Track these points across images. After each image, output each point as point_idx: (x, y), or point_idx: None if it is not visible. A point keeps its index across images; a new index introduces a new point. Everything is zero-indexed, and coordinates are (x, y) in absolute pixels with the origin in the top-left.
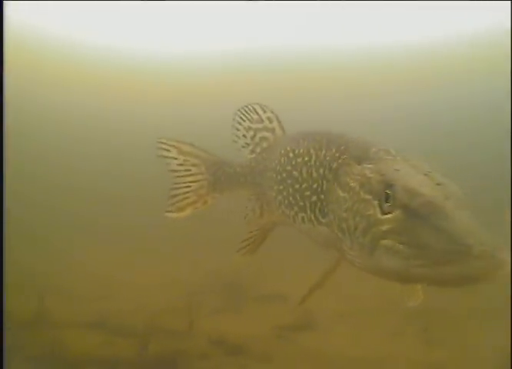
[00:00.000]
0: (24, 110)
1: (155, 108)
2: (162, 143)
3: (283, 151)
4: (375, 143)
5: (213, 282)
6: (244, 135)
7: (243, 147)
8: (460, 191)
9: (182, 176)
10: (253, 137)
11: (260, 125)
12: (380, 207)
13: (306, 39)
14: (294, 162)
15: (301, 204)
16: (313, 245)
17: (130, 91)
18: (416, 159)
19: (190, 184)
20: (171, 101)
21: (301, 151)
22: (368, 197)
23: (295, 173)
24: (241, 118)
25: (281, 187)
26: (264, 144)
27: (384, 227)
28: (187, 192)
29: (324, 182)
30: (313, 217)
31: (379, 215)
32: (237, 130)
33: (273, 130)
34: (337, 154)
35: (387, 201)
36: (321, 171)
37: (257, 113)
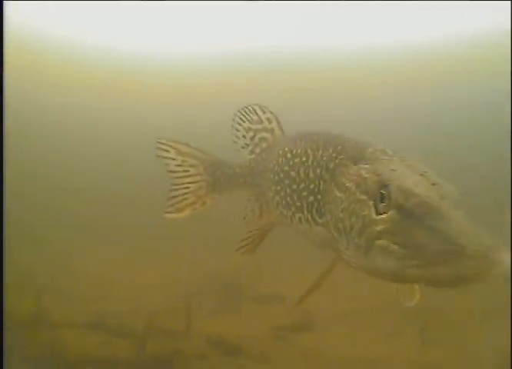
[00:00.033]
0: (24, 110)
1: (155, 108)
2: (161, 143)
3: (281, 152)
4: (372, 143)
5: (211, 282)
6: (243, 136)
7: (242, 147)
8: (455, 191)
9: (180, 177)
10: (252, 138)
11: (259, 126)
12: (376, 207)
13: (306, 39)
14: (291, 162)
15: (298, 204)
16: (310, 246)
17: (130, 92)
18: (412, 159)
19: (188, 186)
20: (171, 101)
21: (299, 151)
22: (364, 197)
23: (293, 173)
24: (240, 118)
25: (279, 187)
26: (264, 145)
27: (379, 228)
28: (186, 193)
29: (321, 182)
30: (310, 218)
31: (374, 215)
32: (237, 130)
33: (272, 131)
34: (334, 155)
35: (382, 201)
36: (318, 171)
37: (257, 114)
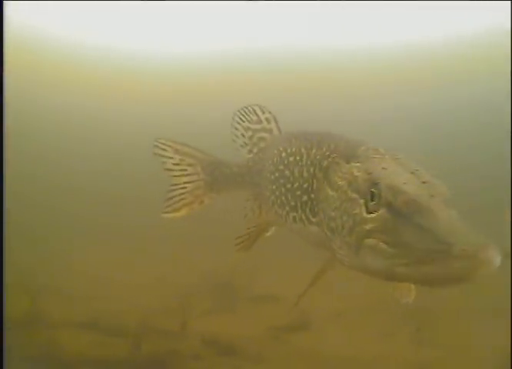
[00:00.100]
0: (24, 110)
1: (155, 108)
2: (159, 142)
3: (276, 151)
4: (365, 142)
5: (207, 282)
6: (242, 134)
7: (241, 146)
8: (446, 190)
9: (178, 176)
10: (251, 138)
11: (258, 126)
12: (366, 205)
13: (306, 39)
14: (286, 161)
15: (293, 203)
16: (306, 245)
17: (130, 92)
18: (404, 157)
19: (186, 185)
20: (171, 101)
21: (293, 150)
22: (355, 195)
23: (287, 172)
24: (240, 118)
25: (274, 186)
26: (262, 145)
27: (369, 226)
28: (184, 193)
29: (315, 181)
30: (304, 217)
31: (364, 214)
32: (236, 129)
33: (270, 130)
34: (327, 153)
35: (372, 199)
36: (312, 170)
37: (257, 114)
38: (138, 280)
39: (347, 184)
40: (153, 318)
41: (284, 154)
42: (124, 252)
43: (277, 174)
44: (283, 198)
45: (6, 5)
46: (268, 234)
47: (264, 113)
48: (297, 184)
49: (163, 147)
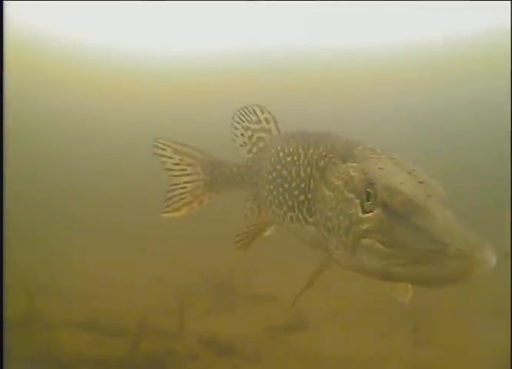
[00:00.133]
0: (24, 110)
1: (155, 107)
2: (158, 142)
3: (273, 151)
4: (362, 142)
5: (205, 282)
6: (242, 134)
7: (241, 145)
8: (443, 190)
9: (178, 175)
10: (250, 137)
11: (258, 126)
12: (362, 205)
13: (306, 39)
14: (283, 161)
15: (290, 203)
16: (303, 245)
17: (130, 92)
18: (401, 157)
19: (185, 185)
20: (170, 101)
21: (291, 150)
22: (351, 195)
23: (284, 172)
24: (239, 118)
25: (272, 186)
26: (261, 145)
27: (365, 226)
28: (183, 193)
29: (312, 181)
30: (301, 217)
31: (360, 214)
32: (236, 128)
33: (269, 130)
34: (324, 153)
35: (368, 199)
36: (309, 170)
37: (256, 114)
38: (137, 280)
39: (343, 184)
40: (151, 318)
41: (281, 154)
42: (123, 252)
43: (274, 174)
44: (280, 198)
45: (6, 5)
46: (268, 233)
47: (263, 113)
48: (295, 183)
49: (163, 147)
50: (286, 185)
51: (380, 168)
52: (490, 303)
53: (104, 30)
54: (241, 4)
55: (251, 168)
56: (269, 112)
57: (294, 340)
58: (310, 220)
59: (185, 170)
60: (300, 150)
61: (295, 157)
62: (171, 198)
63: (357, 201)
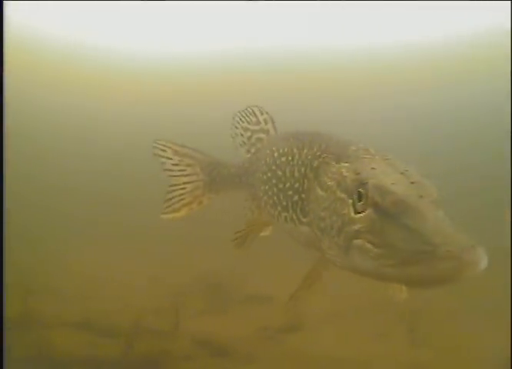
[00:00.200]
0: (24, 110)
1: (155, 108)
2: (158, 143)
3: (268, 151)
4: (355, 142)
5: (199, 283)
6: (241, 134)
7: (240, 145)
8: (435, 190)
9: (177, 176)
10: (249, 138)
11: (257, 127)
12: (354, 205)
13: (306, 39)
14: (278, 162)
15: (284, 203)
16: (298, 246)
17: (130, 92)
18: (394, 158)
19: (185, 186)
20: (170, 101)
21: (285, 150)
22: (344, 195)
23: (279, 172)
24: (239, 118)
25: (267, 186)
26: (259, 145)
27: (356, 227)
28: (183, 194)
29: (306, 181)
30: (295, 217)
31: (352, 214)
32: (236, 128)
33: (267, 131)
34: (318, 153)
35: (360, 199)
36: (303, 170)
37: (256, 115)
38: (131, 280)
39: (336, 184)
40: (145, 318)
41: (276, 155)
42: (119, 253)
43: (269, 175)
44: (275, 198)
45: (6, 5)
46: (266, 233)
47: (262, 114)
48: (289, 184)
49: (162, 148)
50: (280, 185)
51: (372, 168)
52: (488, 303)
53: (104, 30)
54: (241, 4)
55: (248, 169)
56: (267, 113)
57: (289, 341)
58: (304, 220)
59: (185, 170)
60: (295, 150)
61: (290, 158)
62: (170, 199)
63: (350, 201)
